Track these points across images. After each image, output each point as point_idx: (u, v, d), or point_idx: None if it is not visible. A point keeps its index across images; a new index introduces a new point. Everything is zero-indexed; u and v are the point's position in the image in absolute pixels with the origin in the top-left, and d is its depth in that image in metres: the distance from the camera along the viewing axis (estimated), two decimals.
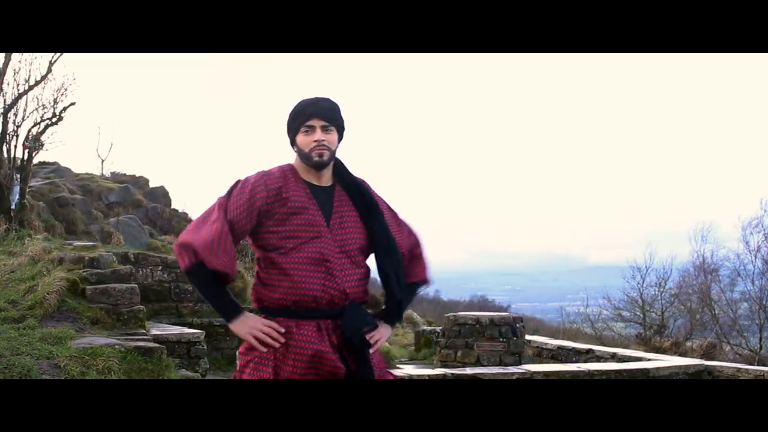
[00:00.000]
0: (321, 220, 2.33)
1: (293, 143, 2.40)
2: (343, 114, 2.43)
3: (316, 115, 2.34)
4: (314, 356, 2.23)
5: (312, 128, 2.34)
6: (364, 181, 2.51)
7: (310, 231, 2.31)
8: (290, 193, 2.33)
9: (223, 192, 2.36)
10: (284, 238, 2.29)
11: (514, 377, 6.02)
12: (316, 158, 2.33)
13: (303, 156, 2.36)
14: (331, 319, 2.28)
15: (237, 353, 2.44)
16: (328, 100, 2.40)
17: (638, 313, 19.39)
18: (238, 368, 2.36)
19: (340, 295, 2.29)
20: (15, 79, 10.68)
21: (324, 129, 2.35)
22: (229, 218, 2.26)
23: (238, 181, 2.36)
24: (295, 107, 2.40)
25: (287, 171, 2.40)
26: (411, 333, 14.08)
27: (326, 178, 2.42)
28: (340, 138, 2.43)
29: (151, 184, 18.07)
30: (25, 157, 10.74)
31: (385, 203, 2.53)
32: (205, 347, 7.17)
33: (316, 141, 2.32)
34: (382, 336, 2.38)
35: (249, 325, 2.26)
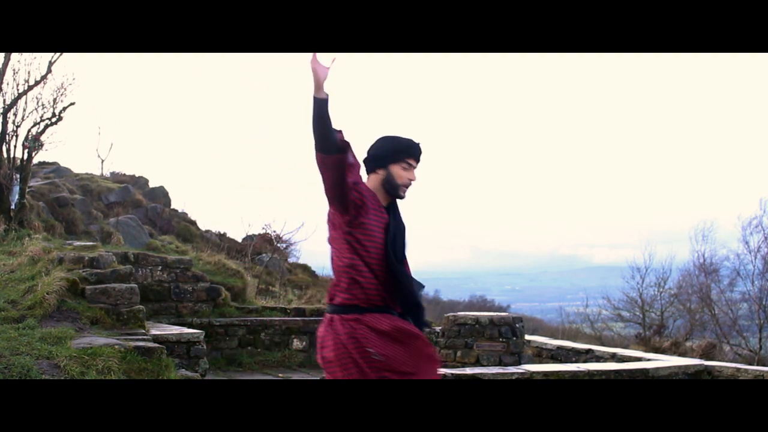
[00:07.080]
0: (385, 237, 2.60)
1: (382, 167, 2.65)
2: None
3: (417, 157, 2.68)
4: (393, 328, 2.49)
5: (411, 167, 2.67)
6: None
7: (381, 245, 2.57)
8: (375, 214, 2.60)
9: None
10: (365, 249, 2.55)
11: (513, 377, 6.02)
12: (402, 194, 2.67)
13: (391, 185, 2.66)
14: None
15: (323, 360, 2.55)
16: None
17: (638, 313, 19.41)
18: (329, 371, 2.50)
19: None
20: (15, 79, 10.70)
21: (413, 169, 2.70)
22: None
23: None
24: (402, 141, 2.68)
25: (371, 192, 2.66)
26: None
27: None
28: None
29: (151, 184, 18.08)
30: (25, 157, 10.74)
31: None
32: (205, 347, 7.17)
33: (411, 180, 2.66)
34: None
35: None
